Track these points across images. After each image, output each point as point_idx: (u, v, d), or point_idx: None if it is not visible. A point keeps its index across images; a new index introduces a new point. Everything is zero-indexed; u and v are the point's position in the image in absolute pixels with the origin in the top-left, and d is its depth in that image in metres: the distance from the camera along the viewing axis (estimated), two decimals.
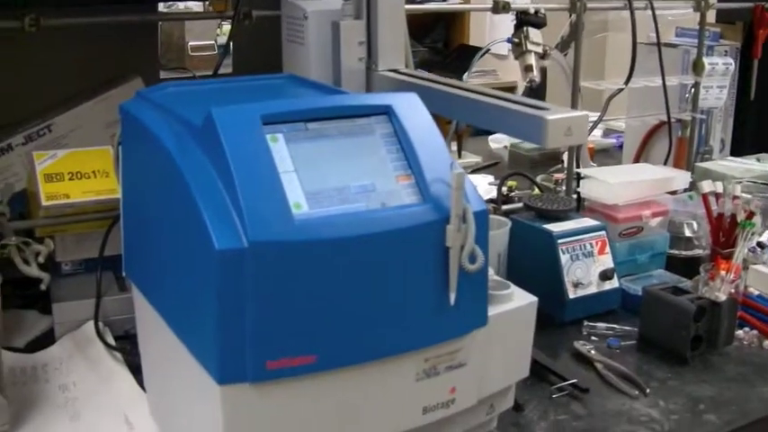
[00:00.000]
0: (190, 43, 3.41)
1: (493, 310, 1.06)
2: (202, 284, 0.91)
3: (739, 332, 1.54)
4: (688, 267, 1.74)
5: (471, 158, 2.56)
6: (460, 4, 3.37)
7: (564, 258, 1.57)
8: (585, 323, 1.56)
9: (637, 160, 2.41)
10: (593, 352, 1.45)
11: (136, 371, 1.34)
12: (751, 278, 1.63)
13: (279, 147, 0.94)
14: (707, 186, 1.75)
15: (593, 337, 1.53)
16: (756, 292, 1.62)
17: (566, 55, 2.07)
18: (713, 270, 1.53)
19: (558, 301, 1.56)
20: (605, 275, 1.60)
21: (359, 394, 0.97)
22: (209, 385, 0.92)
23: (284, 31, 1.46)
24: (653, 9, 1.99)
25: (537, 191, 2.11)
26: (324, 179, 0.94)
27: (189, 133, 0.97)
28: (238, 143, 0.91)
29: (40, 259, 1.32)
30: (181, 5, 2.19)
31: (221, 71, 1.64)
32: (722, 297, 1.46)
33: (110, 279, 1.51)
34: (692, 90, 2.21)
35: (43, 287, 1.32)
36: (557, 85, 2.19)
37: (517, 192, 2.16)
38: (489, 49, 2.29)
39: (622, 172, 1.94)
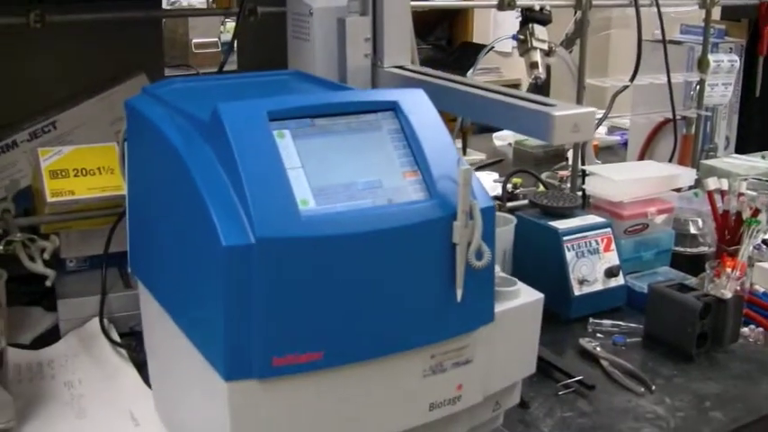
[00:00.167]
0: (193, 41, 3.42)
1: (499, 307, 1.06)
2: (209, 281, 0.91)
3: (745, 329, 1.53)
4: (693, 265, 1.73)
5: (476, 156, 2.56)
6: (466, 0, 3.37)
7: (569, 255, 1.57)
8: (591, 320, 1.56)
9: (641, 157, 2.41)
10: (598, 349, 1.45)
11: (141, 367, 1.34)
12: (756, 275, 1.63)
13: (286, 143, 0.94)
14: (712, 183, 1.75)
15: (598, 335, 1.53)
16: (762, 290, 1.61)
17: (570, 52, 2.07)
18: (719, 267, 1.53)
19: (563, 298, 1.56)
20: (611, 272, 1.60)
21: (365, 391, 0.97)
22: (216, 381, 0.91)
23: (289, 28, 1.45)
24: (658, 6, 1.99)
25: (542, 188, 2.11)
26: (331, 175, 0.94)
27: (195, 129, 0.97)
28: (245, 139, 0.91)
29: (46, 256, 1.32)
30: (185, 2, 2.19)
31: (226, 69, 1.64)
32: (728, 294, 1.45)
33: (114, 276, 1.52)
34: (697, 87, 2.21)
35: (49, 283, 1.32)
36: (561, 82, 2.19)
37: (522, 189, 2.16)
38: (493, 47, 2.28)
39: (627, 169, 1.94)
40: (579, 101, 1.94)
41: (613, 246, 1.62)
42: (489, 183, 2.24)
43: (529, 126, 1.14)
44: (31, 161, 1.55)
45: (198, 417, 1.05)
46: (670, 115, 2.13)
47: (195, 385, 1.02)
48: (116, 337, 1.44)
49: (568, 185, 2.04)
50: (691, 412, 1.30)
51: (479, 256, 0.96)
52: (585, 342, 1.48)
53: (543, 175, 2.22)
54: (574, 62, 1.98)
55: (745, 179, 1.83)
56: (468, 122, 2.12)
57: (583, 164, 1.99)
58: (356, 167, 0.96)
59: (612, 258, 1.61)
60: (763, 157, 2.17)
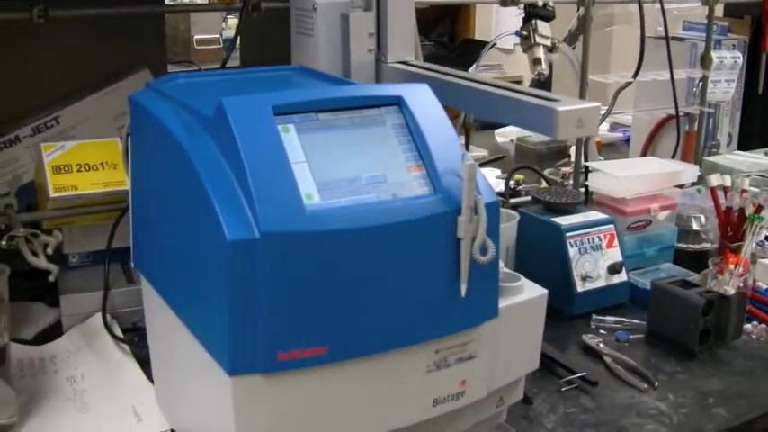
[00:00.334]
0: (195, 37, 3.42)
1: (503, 302, 1.05)
2: (213, 276, 0.91)
3: (747, 326, 1.53)
4: (696, 261, 1.74)
5: (478, 152, 2.56)
6: None
7: (572, 252, 1.57)
8: (594, 316, 1.56)
9: (644, 154, 2.40)
10: (601, 345, 1.45)
11: (143, 363, 1.34)
12: (759, 272, 1.63)
13: (290, 137, 0.94)
14: (715, 180, 1.74)
15: (601, 331, 1.53)
16: (765, 286, 1.61)
17: (574, 48, 2.07)
18: (721, 264, 1.53)
19: (566, 294, 1.56)
20: (613, 269, 1.60)
21: (369, 386, 0.97)
22: (220, 376, 0.91)
23: (293, 23, 1.45)
24: (661, 3, 1.99)
25: (544, 184, 2.11)
26: (335, 170, 0.94)
27: (199, 123, 0.97)
28: (250, 133, 0.91)
29: (49, 251, 1.32)
30: None
31: (228, 65, 1.64)
32: (731, 291, 1.45)
33: (117, 271, 1.52)
34: (700, 84, 2.20)
35: (52, 278, 1.32)
36: (563, 78, 2.19)
37: (524, 185, 2.15)
38: (495, 43, 2.28)
39: (630, 165, 1.93)
40: (582, 97, 1.94)
41: (616, 242, 1.62)
42: (492, 179, 2.23)
43: (533, 121, 1.14)
44: (33, 156, 1.55)
45: (201, 412, 1.05)
46: (673, 112, 2.13)
47: (199, 380, 1.02)
48: (119, 333, 1.44)
49: (571, 182, 2.04)
50: (694, 408, 1.30)
51: (484, 251, 0.96)
52: (588, 338, 1.47)
53: (546, 172, 2.21)
54: (577, 58, 1.98)
55: (748, 176, 1.82)
56: (471, 119, 2.12)
57: (586, 160, 1.99)
58: (361, 162, 0.96)
59: (615, 255, 1.61)
60: (766, 154, 2.17)
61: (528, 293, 1.11)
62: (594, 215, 1.63)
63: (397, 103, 1.01)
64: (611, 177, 1.74)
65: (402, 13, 1.41)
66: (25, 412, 1.22)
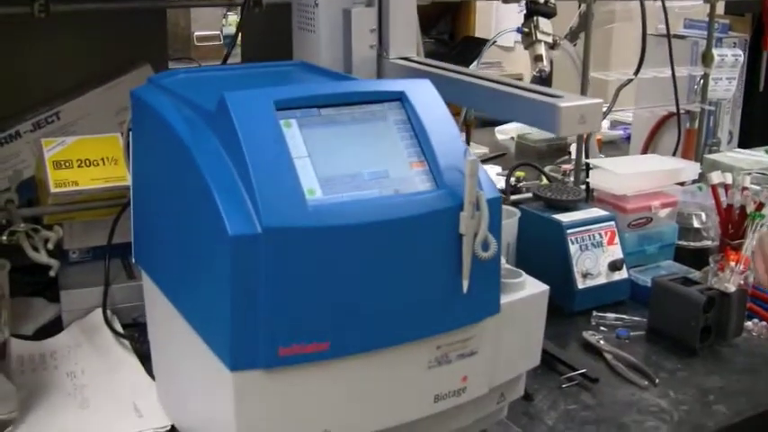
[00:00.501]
0: (196, 33, 3.41)
1: (505, 299, 1.05)
2: (215, 271, 0.91)
3: (748, 323, 1.53)
4: (697, 258, 1.73)
5: (478, 149, 2.56)
6: None
7: (573, 248, 1.56)
8: (594, 313, 1.56)
9: (644, 152, 2.40)
10: (602, 342, 1.45)
11: (144, 358, 1.34)
12: None
13: (292, 132, 0.93)
14: (716, 177, 1.74)
15: (602, 328, 1.53)
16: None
17: (575, 45, 2.06)
18: (722, 261, 1.53)
19: (567, 291, 1.55)
20: (614, 266, 1.60)
21: (371, 382, 0.97)
22: (221, 372, 0.91)
23: (295, 19, 1.45)
24: (663, 0, 1.98)
25: (545, 181, 2.11)
26: (337, 165, 0.94)
27: (201, 118, 0.97)
28: (252, 128, 0.91)
29: (49, 246, 1.31)
30: None
31: (229, 62, 1.63)
32: (731, 288, 1.45)
33: (117, 267, 1.51)
34: (701, 81, 2.20)
35: (52, 273, 1.31)
36: (564, 75, 2.18)
37: (525, 182, 2.15)
38: (496, 41, 2.28)
39: (631, 163, 1.94)
40: (583, 94, 1.93)
41: (617, 239, 1.62)
42: (492, 176, 2.23)
43: (535, 117, 1.14)
44: (34, 151, 1.55)
45: (202, 407, 1.05)
46: (673, 109, 2.12)
47: (200, 376, 1.02)
48: (119, 329, 1.44)
49: (571, 179, 2.04)
50: (694, 406, 1.30)
51: (486, 247, 0.96)
52: (589, 335, 1.47)
53: (546, 169, 2.21)
54: (578, 55, 1.98)
55: (749, 173, 1.82)
56: (472, 116, 2.12)
57: (587, 157, 1.99)
58: (363, 157, 0.96)
59: (616, 252, 1.61)
60: (767, 152, 2.17)
61: (529, 290, 1.11)
62: (595, 212, 1.63)
63: (400, 98, 1.01)
64: (612, 174, 1.74)
65: (404, 8, 1.41)
66: (25, 407, 1.22)
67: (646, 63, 1.97)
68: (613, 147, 2.75)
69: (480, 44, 2.50)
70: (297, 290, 0.89)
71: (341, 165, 0.94)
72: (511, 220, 1.57)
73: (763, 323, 1.54)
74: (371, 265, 0.92)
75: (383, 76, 1.41)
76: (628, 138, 2.70)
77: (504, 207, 1.58)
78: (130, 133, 1.16)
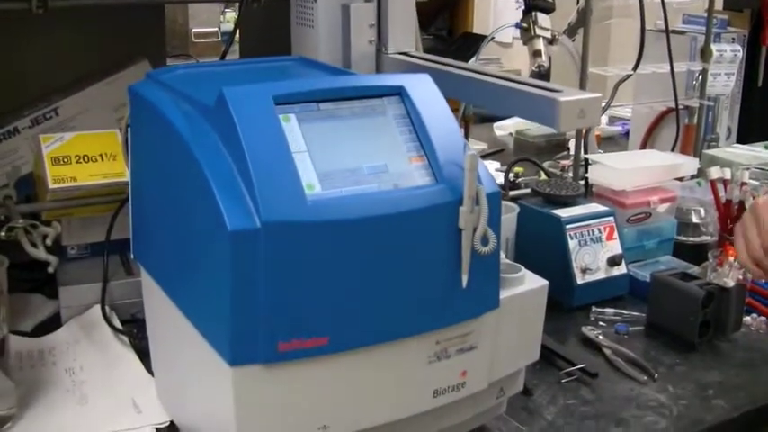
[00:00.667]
0: (193, 30, 3.41)
1: (504, 293, 1.05)
2: (214, 266, 0.91)
3: (747, 318, 1.53)
4: (695, 254, 1.74)
5: (477, 145, 2.55)
6: None
7: (572, 244, 1.56)
8: (593, 309, 1.56)
9: (643, 147, 2.40)
10: (601, 337, 1.45)
11: (142, 355, 1.33)
12: None
13: (291, 127, 0.93)
14: (715, 173, 1.74)
15: (601, 323, 1.53)
16: (764, 279, 1.61)
17: (573, 41, 2.06)
18: (721, 256, 1.53)
19: (566, 286, 1.55)
20: (613, 261, 1.60)
21: (370, 377, 0.97)
22: (221, 367, 0.91)
23: (293, 14, 1.45)
24: None
25: (544, 177, 2.11)
26: (336, 160, 0.94)
27: (200, 113, 0.97)
28: (251, 123, 0.91)
29: (48, 242, 1.31)
30: None
31: (228, 58, 1.63)
32: (730, 283, 1.45)
33: (116, 263, 1.51)
34: (700, 77, 2.20)
35: (51, 269, 1.31)
36: (562, 71, 2.18)
37: (523, 178, 2.15)
38: (494, 37, 2.27)
39: (630, 158, 1.93)
40: (582, 89, 1.93)
41: (616, 234, 1.62)
42: (491, 172, 2.23)
43: (535, 112, 1.14)
44: (32, 148, 1.55)
45: (202, 403, 1.05)
46: (672, 105, 2.12)
47: (199, 371, 1.02)
48: (118, 324, 1.43)
49: (570, 174, 2.04)
50: (693, 400, 1.30)
51: (485, 241, 0.96)
52: (588, 330, 1.47)
53: (545, 165, 2.21)
54: (577, 51, 1.98)
55: (748, 168, 1.82)
56: (471, 112, 2.12)
57: (585, 153, 1.98)
58: (362, 152, 0.96)
59: (615, 247, 1.61)
60: (766, 147, 2.17)
61: (529, 284, 1.11)
62: (594, 207, 1.63)
63: (399, 93, 1.01)
64: (610, 170, 1.74)
65: (403, 4, 1.41)
66: (24, 404, 1.22)
67: (644, 58, 1.97)
68: (612, 143, 2.75)
69: (478, 40, 2.50)
70: (296, 285, 0.89)
71: (340, 159, 0.94)
72: (510, 216, 1.57)
73: (762, 318, 1.55)
74: (371, 259, 0.92)
75: (382, 72, 1.41)
76: (626, 133, 2.70)
77: (503, 203, 1.58)
78: (129, 129, 1.16)
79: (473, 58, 2.13)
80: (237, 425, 0.92)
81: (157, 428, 1.19)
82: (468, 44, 3.61)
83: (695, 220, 1.81)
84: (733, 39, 2.33)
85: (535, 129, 2.72)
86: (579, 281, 1.56)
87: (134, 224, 1.18)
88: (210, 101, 0.94)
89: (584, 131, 1.98)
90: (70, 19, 1.56)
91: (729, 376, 1.37)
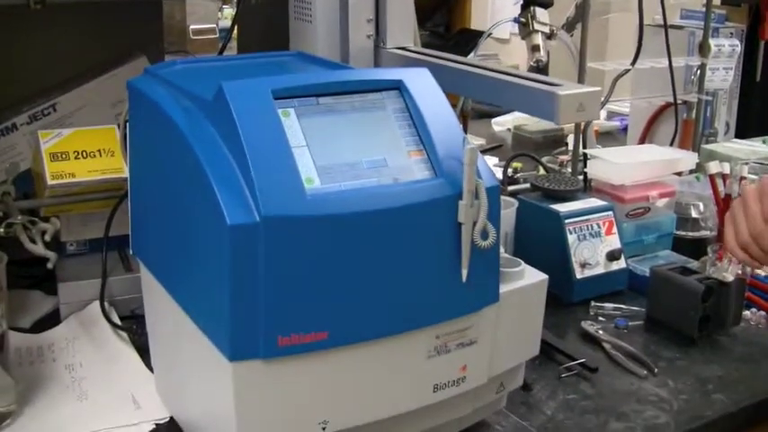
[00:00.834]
0: (191, 27, 3.40)
1: (504, 288, 1.05)
2: (214, 261, 0.91)
3: (746, 313, 1.53)
4: (695, 248, 1.73)
5: (475, 141, 2.55)
6: None
7: (571, 238, 1.56)
8: (593, 303, 1.55)
9: (642, 142, 2.41)
10: (600, 332, 1.45)
11: (142, 350, 1.33)
12: None
13: (290, 121, 0.93)
14: (714, 167, 1.74)
15: (600, 318, 1.53)
16: (764, 274, 1.61)
17: (571, 35, 2.06)
18: (721, 251, 1.52)
19: (565, 281, 1.55)
20: (612, 256, 1.59)
21: (370, 371, 0.97)
22: (221, 362, 0.91)
23: (292, 10, 1.45)
24: None
25: (542, 172, 2.10)
26: (336, 154, 0.94)
27: (199, 108, 0.97)
28: (250, 117, 0.90)
29: (47, 238, 1.31)
30: None
31: (226, 54, 1.63)
32: (730, 278, 1.45)
33: (115, 259, 1.51)
34: (698, 71, 2.20)
35: (50, 266, 1.31)
36: (560, 66, 2.18)
37: (522, 173, 2.15)
38: (492, 32, 2.27)
39: (629, 152, 1.93)
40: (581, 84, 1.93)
41: (615, 229, 1.61)
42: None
43: (534, 106, 1.14)
44: (31, 144, 1.55)
45: (201, 398, 1.05)
46: (671, 99, 2.12)
47: (199, 367, 1.02)
48: (117, 321, 1.43)
49: (569, 170, 2.03)
50: (693, 395, 1.30)
51: (485, 235, 0.96)
52: (587, 325, 1.47)
53: (543, 160, 2.21)
54: (575, 46, 1.98)
55: (747, 163, 1.82)
56: (469, 107, 2.11)
57: (584, 147, 1.98)
58: (361, 146, 0.96)
59: (614, 242, 1.61)
60: (764, 142, 2.16)
61: (528, 278, 1.11)
62: (593, 202, 1.63)
63: (398, 87, 1.01)
64: (609, 164, 1.74)
65: None
66: (24, 400, 1.21)
67: (642, 53, 1.97)
68: (610, 138, 2.75)
69: (476, 36, 2.50)
70: (296, 279, 0.89)
71: (339, 154, 0.94)
72: (509, 211, 1.57)
73: (762, 312, 1.55)
74: (370, 254, 0.92)
75: (380, 66, 1.41)
76: (624, 129, 2.70)
77: (502, 197, 1.58)
78: (127, 124, 1.15)
79: (472, 54, 2.13)
80: (237, 420, 0.92)
81: (157, 424, 1.19)
82: (466, 40, 3.61)
83: (694, 214, 1.81)
84: (731, 33, 2.33)
85: (533, 124, 2.72)
86: (578, 276, 1.56)
87: (133, 220, 1.18)
88: (209, 95, 0.94)
89: (582, 126, 1.98)
90: (68, 15, 1.56)
91: (729, 371, 1.37)
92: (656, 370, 1.36)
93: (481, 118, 2.86)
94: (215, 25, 3.51)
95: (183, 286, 1.02)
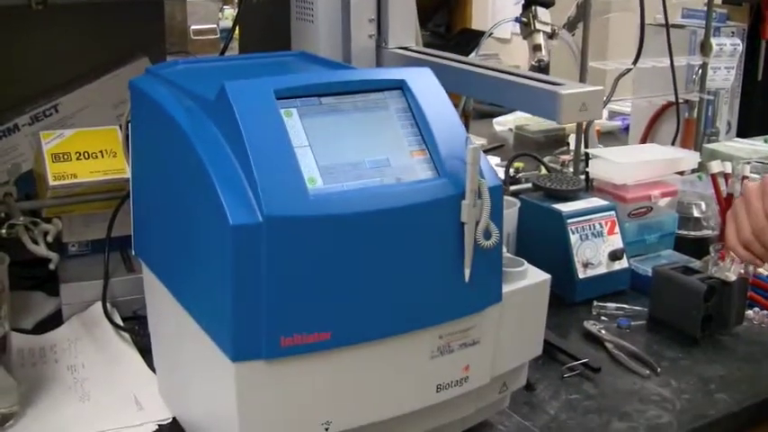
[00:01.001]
0: (192, 27, 3.39)
1: (507, 288, 1.05)
2: (216, 261, 0.90)
3: (749, 312, 1.53)
4: (697, 248, 1.73)
5: (477, 141, 2.55)
6: None
7: (573, 238, 1.56)
8: (595, 303, 1.55)
9: (643, 142, 2.40)
10: (603, 332, 1.45)
11: (144, 351, 1.33)
12: None
13: (293, 121, 0.93)
14: (716, 167, 1.74)
15: (602, 317, 1.52)
16: (766, 273, 1.61)
17: (573, 35, 2.06)
18: (723, 250, 1.52)
19: (567, 281, 1.55)
20: (615, 255, 1.59)
21: (373, 372, 0.97)
22: (223, 363, 0.91)
23: (293, 10, 1.45)
24: None
25: (544, 172, 2.10)
26: (338, 154, 0.94)
27: (201, 108, 0.97)
28: (252, 117, 0.90)
29: (49, 238, 1.31)
30: None
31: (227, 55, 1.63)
32: (732, 277, 1.45)
33: (117, 260, 1.51)
34: (700, 71, 2.20)
35: (52, 266, 1.31)
36: (561, 65, 2.18)
37: (524, 173, 2.15)
38: (492, 32, 2.27)
39: (631, 152, 1.93)
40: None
41: (617, 229, 1.61)
42: None
43: (536, 105, 1.14)
44: (32, 145, 1.55)
45: (204, 399, 1.05)
46: (672, 99, 2.12)
47: (201, 367, 1.01)
48: (119, 321, 1.43)
49: (571, 169, 2.03)
50: (696, 394, 1.30)
51: (488, 235, 0.96)
52: (590, 325, 1.47)
53: (545, 160, 2.21)
54: (577, 45, 1.98)
55: (749, 162, 1.82)
56: (471, 107, 2.11)
57: (586, 147, 1.98)
58: (364, 146, 0.95)
59: (616, 241, 1.61)
60: (766, 141, 2.16)
61: (531, 278, 1.11)
62: (596, 202, 1.63)
63: (400, 87, 1.01)
64: (611, 164, 1.73)
65: None
66: (26, 401, 1.21)
67: (644, 52, 1.97)
68: (612, 137, 2.75)
69: (477, 36, 2.50)
70: (298, 279, 0.89)
71: (342, 153, 0.94)
72: (511, 210, 1.56)
73: (764, 312, 1.54)
74: (373, 254, 0.92)
75: (382, 66, 1.41)
76: (626, 128, 2.69)
77: (504, 197, 1.58)
78: (129, 125, 1.15)
79: (473, 54, 2.13)
80: (240, 420, 0.92)
81: (160, 425, 1.19)
82: (467, 40, 3.60)
83: (696, 214, 1.81)
84: (733, 32, 2.33)
85: (535, 124, 2.72)
86: (581, 275, 1.56)
87: (135, 220, 1.18)
88: (212, 95, 0.94)
89: (584, 126, 1.98)
90: (69, 15, 1.56)
91: (732, 370, 1.37)
92: (658, 370, 1.35)
93: (482, 118, 2.86)
94: (216, 26, 3.52)
95: (186, 287, 1.02)
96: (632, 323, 1.50)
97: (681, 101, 2.15)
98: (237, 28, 1.69)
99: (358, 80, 1.01)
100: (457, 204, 0.95)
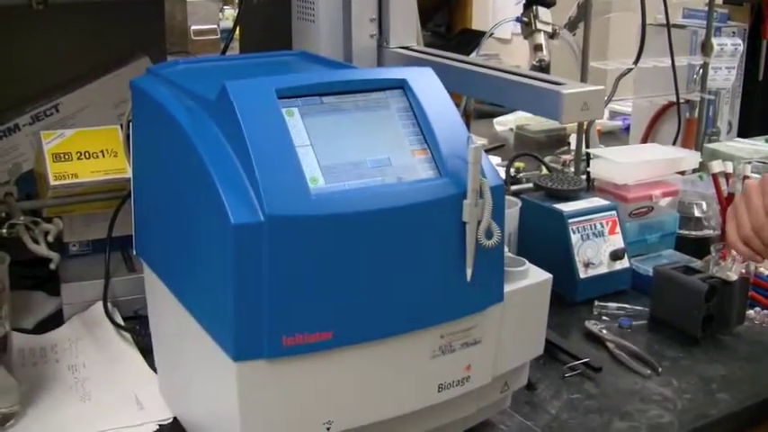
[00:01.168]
0: (192, 27, 3.39)
1: (508, 287, 1.05)
2: (218, 260, 0.90)
3: (750, 312, 1.53)
4: (698, 247, 1.73)
5: (477, 141, 2.54)
6: None
7: (575, 238, 1.56)
8: (596, 303, 1.55)
9: (644, 141, 2.40)
10: (604, 331, 1.45)
11: (145, 351, 1.33)
12: None
13: (294, 121, 0.93)
14: (717, 166, 1.74)
15: (604, 317, 1.52)
16: (767, 273, 1.61)
17: (574, 35, 2.06)
18: (724, 250, 1.52)
19: (568, 280, 1.55)
20: (616, 255, 1.59)
21: (374, 371, 0.97)
22: (225, 362, 0.91)
23: (294, 9, 1.45)
24: None
25: (545, 171, 2.10)
26: (340, 153, 0.94)
27: (202, 108, 0.97)
28: (254, 117, 0.90)
29: (50, 238, 1.31)
30: None
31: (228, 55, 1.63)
32: (733, 277, 1.45)
33: (118, 260, 1.51)
34: (701, 71, 2.20)
35: (53, 266, 1.31)
36: (562, 65, 2.18)
37: (525, 173, 2.15)
38: (493, 33, 2.27)
39: (632, 152, 1.93)
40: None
41: (618, 228, 1.61)
42: None
43: (538, 105, 1.14)
44: (33, 144, 1.55)
45: (205, 399, 1.05)
46: (673, 99, 2.12)
47: (203, 367, 1.01)
48: (120, 321, 1.43)
49: (572, 169, 2.03)
50: (697, 394, 1.30)
51: (489, 234, 0.96)
52: (591, 325, 1.47)
53: (546, 159, 2.21)
54: (578, 45, 1.98)
55: (749, 162, 1.82)
56: (472, 107, 2.11)
57: (587, 147, 1.98)
58: (365, 145, 0.95)
59: (617, 241, 1.61)
60: (767, 141, 2.16)
61: (533, 278, 1.11)
62: (597, 201, 1.63)
63: (402, 86, 1.01)
64: (612, 164, 1.73)
65: None
66: (27, 401, 1.21)
67: (645, 52, 1.97)
68: (612, 137, 2.75)
69: (478, 36, 2.50)
70: (300, 279, 0.89)
71: (343, 153, 0.94)
72: (512, 210, 1.56)
73: (765, 311, 1.54)
74: (374, 253, 0.92)
75: (383, 66, 1.40)
76: (627, 128, 2.69)
77: (506, 197, 1.58)
78: (130, 124, 1.15)
79: (473, 54, 2.12)
80: (242, 420, 0.92)
81: (161, 425, 1.19)
82: (467, 40, 3.60)
83: (697, 213, 1.81)
84: (733, 32, 2.33)
85: (535, 124, 2.72)
86: (582, 275, 1.56)
87: (136, 220, 1.18)
88: (213, 95, 0.94)
89: (585, 126, 1.98)
90: (70, 15, 1.56)
91: (733, 370, 1.37)
92: (659, 369, 1.35)
93: (483, 118, 2.85)
94: (216, 26, 3.51)
95: (187, 286, 1.02)
96: (633, 323, 1.50)
97: (682, 101, 2.15)
98: (238, 28, 1.69)
99: (359, 79, 1.01)
100: (458, 204, 0.95)
